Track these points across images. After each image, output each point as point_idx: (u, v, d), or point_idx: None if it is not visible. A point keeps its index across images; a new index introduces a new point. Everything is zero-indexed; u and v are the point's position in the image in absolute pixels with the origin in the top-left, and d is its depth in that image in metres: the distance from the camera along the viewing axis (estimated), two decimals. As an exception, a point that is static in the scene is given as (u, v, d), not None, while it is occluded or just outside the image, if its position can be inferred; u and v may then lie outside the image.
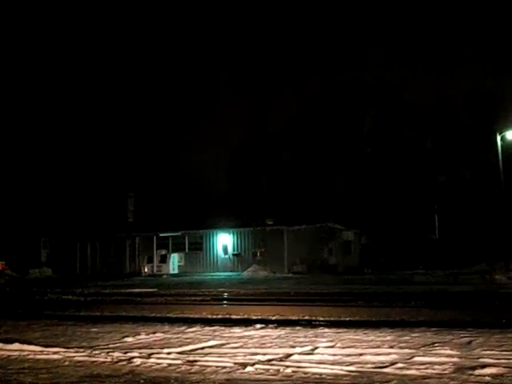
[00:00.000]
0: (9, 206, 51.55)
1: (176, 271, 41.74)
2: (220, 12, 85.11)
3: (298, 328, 10.11)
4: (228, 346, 8.30)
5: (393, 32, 76.48)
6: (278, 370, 6.38)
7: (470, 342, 8.06)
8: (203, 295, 19.14)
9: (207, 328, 10.29)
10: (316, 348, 7.79)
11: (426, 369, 6.28)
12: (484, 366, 6.33)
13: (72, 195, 54.73)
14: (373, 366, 6.56)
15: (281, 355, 7.31)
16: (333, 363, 6.72)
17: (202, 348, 8.13)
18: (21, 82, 61.45)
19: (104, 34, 78.19)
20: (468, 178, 50.38)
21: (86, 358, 7.41)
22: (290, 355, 7.28)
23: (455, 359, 6.82)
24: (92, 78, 66.17)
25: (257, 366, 6.63)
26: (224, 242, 43.40)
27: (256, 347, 8.09)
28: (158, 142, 61.53)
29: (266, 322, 11.00)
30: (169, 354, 7.56)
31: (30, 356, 7.70)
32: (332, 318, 11.63)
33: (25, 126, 57.34)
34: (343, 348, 7.78)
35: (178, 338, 9.23)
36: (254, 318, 12.07)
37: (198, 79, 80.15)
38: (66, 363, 7.18)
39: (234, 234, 43.39)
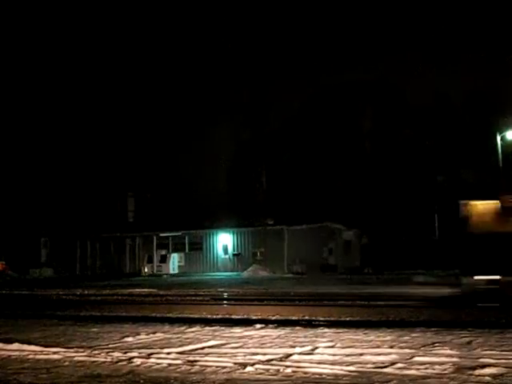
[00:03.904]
0: (9, 206, 51.55)
1: (176, 271, 41.72)
2: (220, 11, 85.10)
3: (297, 328, 10.11)
4: (228, 345, 8.29)
5: (393, 32, 76.46)
6: (278, 370, 6.37)
7: (470, 342, 8.06)
8: (203, 295, 19.14)
9: (207, 328, 10.30)
10: (316, 348, 7.79)
11: (425, 369, 6.28)
12: (484, 366, 6.32)
13: (72, 195, 54.71)
14: (373, 365, 6.56)
15: (281, 355, 7.30)
16: (333, 363, 6.71)
17: (202, 348, 8.13)
18: (21, 82, 61.45)
19: (104, 34, 78.17)
20: (468, 177, 50.36)
21: (86, 358, 7.41)
22: (290, 355, 7.28)
23: (455, 359, 6.82)
24: (93, 78, 66.13)
25: (257, 366, 6.62)
26: (224, 242, 43.38)
27: (256, 347, 8.09)
28: (158, 142, 61.50)
29: (266, 322, 11.00)
30: (169, 353, 7.56)
31: (30, 356, 7.70)
32: (332, 318, 11.64)
33: (25, 126, 57.35)
34: (343, 348, 7.78)
35: (178, 337, 9.23)
36: (254, 318, 12.08)
37: (198, 78, 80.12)
38: (66, 363, 7.18)
39: (233, 234, 43.38)
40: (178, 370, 6.61)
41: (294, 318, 11.95)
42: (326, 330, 9.78)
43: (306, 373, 6.21)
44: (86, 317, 12.86)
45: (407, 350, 7.46)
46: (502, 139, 35.03)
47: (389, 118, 53.90)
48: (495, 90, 50.04)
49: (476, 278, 14.20)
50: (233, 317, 12.43)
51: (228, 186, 59.29)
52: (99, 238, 46.94)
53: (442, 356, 7.03)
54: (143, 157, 59.84)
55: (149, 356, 7.41)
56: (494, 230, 14.62)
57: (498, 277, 13.96)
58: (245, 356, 7.29)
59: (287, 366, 6.52)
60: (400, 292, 18.84)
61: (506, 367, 6.23)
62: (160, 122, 65.61)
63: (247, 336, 9.26)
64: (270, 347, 8.07)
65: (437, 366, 6.37)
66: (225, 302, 17.65)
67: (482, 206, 15.21)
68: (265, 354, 7.35)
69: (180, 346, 8.37)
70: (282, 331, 9.70)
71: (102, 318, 12.65)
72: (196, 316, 12.80)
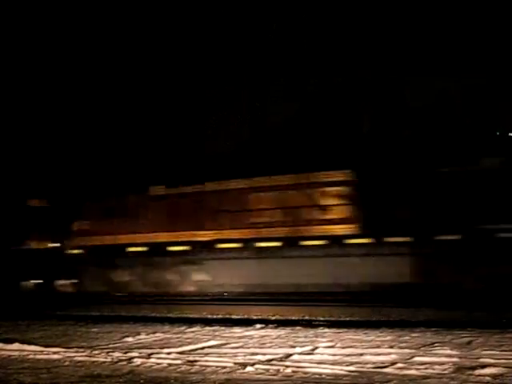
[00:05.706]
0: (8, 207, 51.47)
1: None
2: (220, 11, 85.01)
3: (298, 328, 10.12)
4: (228, 345, 8.30)
5: (392, 31, 76.33)
6: (278, 370, 6.36)
7: (469, 342, 8.06)
8: (203, 295, 19.12)
9: (207, 328, 10.31)
10: (316, 348, 7.79)
11: (425, 369, 6.27)
12: (484, 366, 6.31)
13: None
14: (373, 365, 6.55)
15: (281, 355, 7.30)
16: (333, 363, 6.71)
17: (202, 348, 8.13)
18: (21, 80, 61.40)
19: (103, 36, 78.12)
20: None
21: (86, 358, 7.41)
22: (290, 355, 7.28)
23: (455, 359, 6.81)
24: (94, 78, 66.15)
25: (257, 365, 6.62)
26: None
27: (256, 347, 8.09)
28: (157, 142, 61.55)
29: (266, 322, 11.01)
30: (169, 354, 7.56)
31: (30, 356, 7.70)
32: (332, 318, 11.65)
33: (24, 125, 57.31)
34: (343, 348, 7.78)
35: (178, 337, 9.24)
36: (254, 317, 12.09)
37: (198, 78, 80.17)
38: (66, 363, 7.18)
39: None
40: (178, 369, 6.61)
41: (293, 317, 11.96)
42: (326, 329, 9.79)
43: (305, 373, 6.20)
44: (86, 317, 12.87)
45: (407, 350, 7.45)
46: (501, 139, 35.03)
47: (388, 117, 53.91)
48: (495, 90, 50.01)
49: None
50: (233, 317, 12.44)
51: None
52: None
53: (441, 356, 7.02)
54: (142, 157, 59.83)
55: (149, 356, 7.41)
56: None
57: None
58: (245, 356, 7.29)
59: (287, 366, 6.51)
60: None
61: (506, 367, 6.22)
62: (160, 121, 65.62)
63: (247, 336, 9.27)
64: (270, 347, 8.07)
65: (437, 366, 6.36)
66: (225, 301, 17.59)
67: None
68: (265, 354, 7.35)
69: (180, 346, 8.37)
70: (282, 331, 9.71)
71: (102, 317, 12.66)
72: (196, 316, 12.81)
